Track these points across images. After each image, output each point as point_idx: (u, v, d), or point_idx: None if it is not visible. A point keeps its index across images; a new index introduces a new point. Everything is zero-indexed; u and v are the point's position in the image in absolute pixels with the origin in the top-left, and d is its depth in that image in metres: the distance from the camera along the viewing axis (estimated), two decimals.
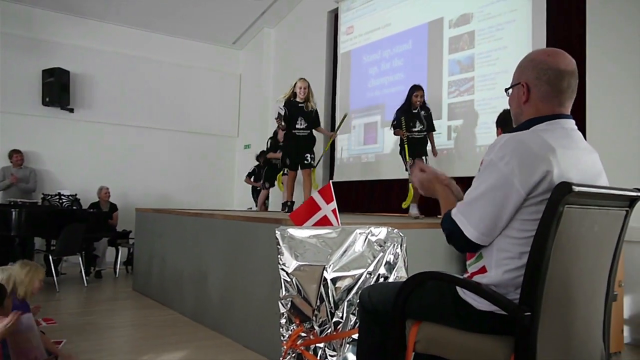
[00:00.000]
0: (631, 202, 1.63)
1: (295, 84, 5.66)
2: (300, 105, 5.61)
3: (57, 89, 8.06)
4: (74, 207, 7.04)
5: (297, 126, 5.60)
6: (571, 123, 1.60)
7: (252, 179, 8.22)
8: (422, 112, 5.47)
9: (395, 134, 5.60)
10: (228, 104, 10.11)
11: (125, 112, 8.92)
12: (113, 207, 7.80)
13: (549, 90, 1.57)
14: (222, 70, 10.07)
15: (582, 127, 4.54)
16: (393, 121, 5.57)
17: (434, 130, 5.63)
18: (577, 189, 1.38)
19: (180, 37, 9.48)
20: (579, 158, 1.52)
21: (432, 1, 6.38)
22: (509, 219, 1.49)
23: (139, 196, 8.69)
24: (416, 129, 5.45)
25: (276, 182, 7.24)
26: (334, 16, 8.18)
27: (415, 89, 5.46)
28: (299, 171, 5.74)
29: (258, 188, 7.99)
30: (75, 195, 7.26)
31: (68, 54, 8.38)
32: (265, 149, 7.74)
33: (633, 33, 4.40)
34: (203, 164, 9.75)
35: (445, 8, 6.19)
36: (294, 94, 5.63)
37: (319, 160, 6.63)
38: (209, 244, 4.50)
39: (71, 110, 8.39)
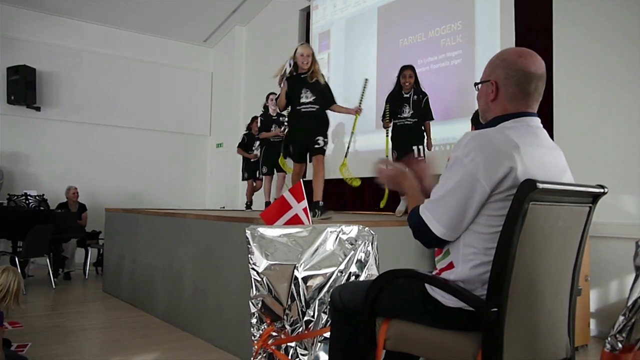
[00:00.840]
0: (594, 198, 1.67)
1: (295, 51, 4.41)
2: (302, 76, 4.36)
3: (22, 86, 7.86)
4: (41, 208, 6.88)
5: (301, 100, 4.32)
6: (537, 121, 1.62)
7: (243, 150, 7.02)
8: (414, 97, 4.88)
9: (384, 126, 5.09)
10: (199, 103, 10.02)
11: (94, 110, 8.75)
12: (82, 208, 7.66)
13: (516, 91, 1.59)
14: (194, 69, 9.97)
15: (549, 124, 4.64)
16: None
17: (431, 119, 4.99)
18: (541, 186, 1.40)
19: (151, 35, 9.35)
20: (543, 155, 1.55)
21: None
22: (475, 215, 1.51)
23: (108, 196, 8.54)
24: (405, 115, 4.89)
25: (281, 164, 5.79)
26: (306, 14, 8.18)
27: (404, 69, 4.95)
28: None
29: (252, 160, 6.83)
30: (43, 195, 7.10)
31: (34, 51, 8.18)
32: (249, 128, 6.99)
33: (599, 29, 4.51)
34: (174, 163, 9.64)
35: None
36: (295, 66, 4.42)
37: (348, 148, 5.59)
38: (180, 244, 4.45)
39: (38, 109, 8.20)
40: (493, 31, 5.39)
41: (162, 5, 8.51)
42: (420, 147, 4.92)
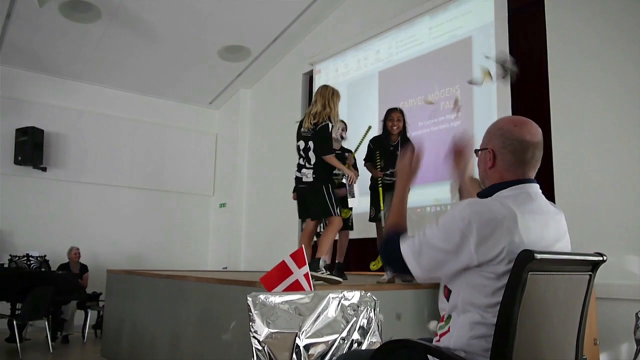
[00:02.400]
0: (593, 266, 1.67)
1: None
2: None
3: (30, 147, 8.00)
4: (42, 269, 6.85)
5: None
6: (535, 187, 1.65)
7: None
8: (401, 147, 4.40)
9: (367, 168, 4.64)
10: (204, 163, 10.14)
11: (99, 171, 8.87)
12: (83, 268, 7.62)
13: (513, 159, 1.63)
14: (198, 130, 10.16)
15: (550, 185, 4.68)
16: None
17: None
18: (539, 256, 1.41)
19: (156, 97, 9.60)
20: (542, 222, 1.57)
21: (403, 55, 6.63)
22: (453, 273, 1.54)
23: (110, 257, 8.51)
24: (391, 171, 4.38)
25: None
26: (309, 78, 8.41)
27: (391, 111, 4.52)
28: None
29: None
30: (45, 256, 7.09)
31: (42, 113, 8.39)
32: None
33: (596, 90, 4.61)
34: (177, 223, 9.65)
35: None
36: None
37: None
38: (181, 308, 4.40)
39: (44, 169, 8.31)
40: (490, 94, 5.52)
41: (169, 69, 8.79)
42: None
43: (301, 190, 4.14)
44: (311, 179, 4.03)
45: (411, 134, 4.80)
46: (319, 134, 3.99)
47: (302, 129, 4.15)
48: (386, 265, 1.68)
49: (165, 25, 7.62)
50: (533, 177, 1.67)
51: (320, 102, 4.08)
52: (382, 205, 4.42)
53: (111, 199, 8.96)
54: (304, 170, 4.07)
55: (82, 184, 8.69)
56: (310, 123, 4.06)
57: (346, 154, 4.81)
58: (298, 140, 4.18)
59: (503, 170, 1.64)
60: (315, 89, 8.02)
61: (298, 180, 4.15)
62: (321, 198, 3.98)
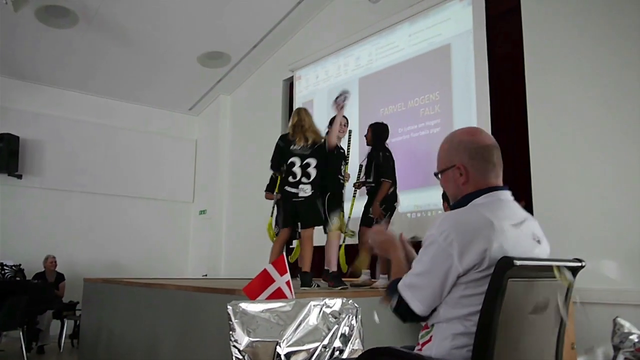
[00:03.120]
0: (572, 272, 1.69)
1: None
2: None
3: (5, 154, 7.86)
4: (17, 278, 6.71)
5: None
6: (507, 194, 1.67)
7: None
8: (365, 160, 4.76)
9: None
10: (183, 170, 10.06)
11: (76, 178, 8.74)
12: (60, 277, 7.49)
13: (485, 166, 1.66)
14: (178, 136, 10.09)
15: (527, 192, 4.73)
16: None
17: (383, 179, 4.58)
18: (518, 263, 1.42)
19: (135, 103, 9.51)
20: (516, 229, 1.58)
21: (382, 61, 6.67)
22: (449, 291, 1.53)
23: (87, 265, 8.36)
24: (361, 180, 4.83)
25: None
26: (289, 84, 8.41)
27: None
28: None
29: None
30: (19, 265, 6.95)
31: (18, 120, 8.25)
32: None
33: (574, 92, 4.69)
34: (156, 231, 9.54)
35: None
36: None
37: None
38: (160, 316, 4.33)
39: (19, 177, 8.16)
40: (470, 101, 5.58)
41: (148, 75, 8.72)
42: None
43: (294, 203, 4.25)
44: (309, 194, 4.20)
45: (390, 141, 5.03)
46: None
47: (294, 147, 4.32)
48: (394, 312, 1.66)
49: (144, 30, 7.57)
50: (501, 179, 1.69)
51: (308, 123, 4.39)
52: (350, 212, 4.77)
53: (88, 206, 8.82)
54: (301, 185, 4.21)
55: (58, 191, 8.55)
56: (307, 142, 4.29)
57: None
58: (290, 157, 4.30)
59: (478, 179, 1.66)
60: (296, 95, 8.06)
61: (290, 194, 4.25)
62: (318, 210, 4.27)
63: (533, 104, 4.95)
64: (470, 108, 5.56)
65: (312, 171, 4.23)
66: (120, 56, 8.05)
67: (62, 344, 6.91)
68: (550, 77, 4.85)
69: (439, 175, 1.75)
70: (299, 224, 4.26)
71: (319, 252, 4.61)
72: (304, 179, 4.23)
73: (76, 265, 8.25)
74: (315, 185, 4.23)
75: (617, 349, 2.27)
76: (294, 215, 4.28)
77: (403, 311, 1.60)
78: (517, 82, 5.11)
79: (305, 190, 4.21)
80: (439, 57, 6.02)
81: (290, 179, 4.27)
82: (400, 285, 1.62)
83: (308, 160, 4.26)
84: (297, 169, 4.26)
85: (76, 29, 7.28)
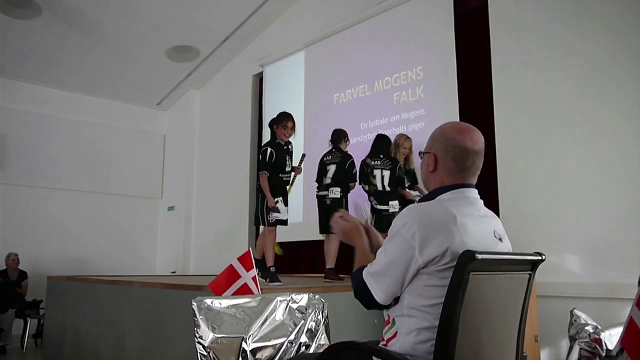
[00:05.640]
0: (533, 265, 1.72)
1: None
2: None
3: None
4: None
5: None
6: (474, 192, 1.69)
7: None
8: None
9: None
10: (151, 165, 9.90)
11: (39, 173, 8.51)
12: (22, 275, 7.30)
13: (453, 166, 1.67)
14: (146, 131, 9.92)
15: (493, 187, 4.80)
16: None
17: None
18: (480, 256, 1.44)
19: (101, 97, 9.30)
20: (479, 225, 1.60)
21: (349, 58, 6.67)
22: (410, 281, 1.56)
23: (51, 263, 8.17)
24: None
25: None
26: (259, 80, 8.36)
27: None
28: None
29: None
30: None
31: None
32: None
33: (539, 86, 4.78)
34: (124, 227, 9.38)
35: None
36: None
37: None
38: (126, 314, 4.26)
39: None
40: (439, 97, 5.60)
41: (114, 68, 8.54)
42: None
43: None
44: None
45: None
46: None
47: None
48: (357, 297, 1.69)
49: (110, 23, 7.41)
50: (473, 183, 1.71)
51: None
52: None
53: (53, 202, 8.61)
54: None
55: (21, 186, 8.31)
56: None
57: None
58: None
59: (443, 175, 1.69)
60: (265, 90, 8.01)
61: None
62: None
63: (499, 103, 5.02)
64: (440, 105, 5.57)
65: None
66: (85, 49, 7.86)
67: (25, 344, 6.74)
68: (516, 72, 4.93)
69: (421, 155, 1.77)
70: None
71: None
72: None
73: (40, 262, 8.05)
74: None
75: (573, 339, 2.32)
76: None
77: (365, 298, 1.63)
78: (484, 79, 5.18)
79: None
80: (408, 43, 5.88)
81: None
82: (364, 272, 1.65)
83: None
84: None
85: (39, 20, 7.08)
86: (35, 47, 7.64)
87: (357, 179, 4.96)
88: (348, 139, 5.11)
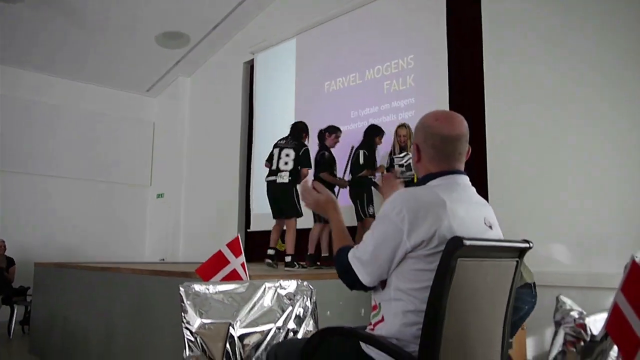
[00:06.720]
0: (520, 252, 1.73)
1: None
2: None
3: None
4: None
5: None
6: (464, 179, 1.69)
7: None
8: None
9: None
10: (140, 153, 9.81)
11: (26, 159, 8.39)
12: (9, 262, 7.23)
13: (434, 153, 1.67)
14: (135, 118, 9.81)
15: (483, 176, 4.82)
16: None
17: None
18: (468, 242, 1.44)
19: (90, 84, 9.17)
20: (469, 211, 1.60)
21: (340, 48, 6.64)
22: (397, 265, 1.55)
23: (39, 249, 8.08)
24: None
25: None
26: (250, 67, 8.30)
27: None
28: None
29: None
30: None
31: None
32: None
33: (529, 80, 4.79)
34: (112, 215, 9.30)
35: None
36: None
37: None
38: (114, 300, 4.25)
39: None
40: (429, 84, 5.60)
41: (102, 54, 8.42)
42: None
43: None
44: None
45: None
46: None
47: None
48: (341, 279, 1.68)
49: (100, 8, 7.30)
50: (461, 169, 1.70)
51: None
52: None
53: (41, 189, 8.51)
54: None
55: (7, 172, 8.20)
56: None
57: None
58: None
59: (427, 164, 1.70)
60: (256, 77, 7.97)
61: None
62: None
63: (490, 89, 5.03)
64: (430, 92, 5.57)
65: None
66: (74, 34, 7.74)
67: (12, 331, 6.70)
68: (508, 62, 4.93)
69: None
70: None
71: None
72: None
73: (27, 249, 7.98)
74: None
75: (558, 324, 2.35)
76: None
77: (351, 280, 1.63)
78: (476, 68, 5.18)
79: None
80: (401, 32, 5.87)
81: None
82: (350, 255, 1.64)
83: None
84: None
85: (25, 5, 6.95)
86: (21, 31, 7.52)
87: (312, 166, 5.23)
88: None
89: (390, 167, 5.24)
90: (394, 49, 5.96)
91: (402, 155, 5.13)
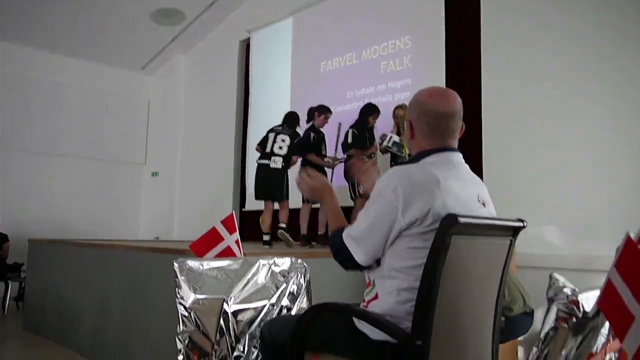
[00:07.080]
0: (514, 231, 1.73)
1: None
2: None
3: None
4: None
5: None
6: (458, 156, 1.69)
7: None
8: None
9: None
10: (135, 131, 9.75)
11: (20, 136, 8.31)
12: (3, 238, 7.23)
13: (428, 129, 1.67)
14: (130, 96, 9.72)
15: (478, 156, 4.83)
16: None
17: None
18: (463, 220, 1.44)
19: (84, 60, 9.05)
20: (463, 189, 1.60)
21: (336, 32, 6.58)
22: (392, 243, 1.56)
23: (33, 226, 8.04)
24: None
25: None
26: (246, 45, 8.23)
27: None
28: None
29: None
30: None
31: None
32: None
33: (526, 59, 4.77)
34: (107, 192, 9.26)
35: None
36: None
37: None
38: (109, 277, 4.26)
39: None
40: (426, 64, 5.57)
41: (97, 30, 8.30)
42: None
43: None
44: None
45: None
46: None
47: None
48: (336, 259, 1.69)
49: None
50: (455, 146, 1.70)
51: None
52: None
53: (34, 166, 8.46)
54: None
55: (1, 149, 8.15)
56: None
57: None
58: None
59: (421, 140, 1.69)
60: (252, 56, 7.90)
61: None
62: None
63: (487, 70, 5.01)
64: (427, 70, 5.54)
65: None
66: (69, 9, 7.61)
67: (7, 307, 6.72)
68: (505, 43, 4.91)
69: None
70: None
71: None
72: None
73: (21, 225, 7.95)
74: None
75: (551, 301, 2.38)
76: None
77: (345, 260, 1.63)
78: (473, 49, 5.15)
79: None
80: (400, 13, 5.82)
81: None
82: (344, 235, 1.64)
83: None
84: None
85: None
86: (13, 7, 7.40)
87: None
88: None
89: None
90: (391, 30, 5.91)
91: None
